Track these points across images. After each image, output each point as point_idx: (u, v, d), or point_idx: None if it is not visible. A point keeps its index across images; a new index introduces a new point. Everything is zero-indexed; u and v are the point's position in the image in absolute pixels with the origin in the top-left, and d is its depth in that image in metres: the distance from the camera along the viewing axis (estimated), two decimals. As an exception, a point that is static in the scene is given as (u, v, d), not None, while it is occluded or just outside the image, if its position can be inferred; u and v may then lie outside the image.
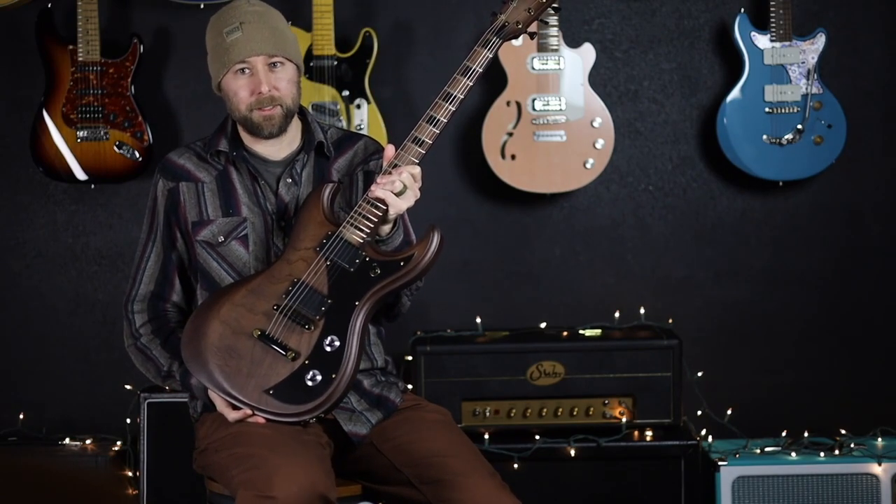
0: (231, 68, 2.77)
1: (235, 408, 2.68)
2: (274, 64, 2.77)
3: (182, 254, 2.87)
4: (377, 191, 2.66)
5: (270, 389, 2.63)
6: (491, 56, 2.71)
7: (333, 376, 2.62)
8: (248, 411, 2.66)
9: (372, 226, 2.66)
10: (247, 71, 2.77)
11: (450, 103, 2.69)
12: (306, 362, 2.63)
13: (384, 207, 2.66)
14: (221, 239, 2.82)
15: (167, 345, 2.82)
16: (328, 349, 2.64)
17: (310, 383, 2.62)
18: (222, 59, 2.78)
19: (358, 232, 2.67)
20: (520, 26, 2.73)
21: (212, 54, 2.82)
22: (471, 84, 2.70)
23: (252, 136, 2.83)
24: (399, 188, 2.65)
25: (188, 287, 2.89)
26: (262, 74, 2.76)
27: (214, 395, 2.71)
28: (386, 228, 2.71)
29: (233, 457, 2.64)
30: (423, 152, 2.68)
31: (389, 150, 2.71)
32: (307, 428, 2.70)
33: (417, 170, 2.67)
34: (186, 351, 2.68)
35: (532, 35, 2.80)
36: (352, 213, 2.68)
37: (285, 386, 2.63)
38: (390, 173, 2.66)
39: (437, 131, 2.68)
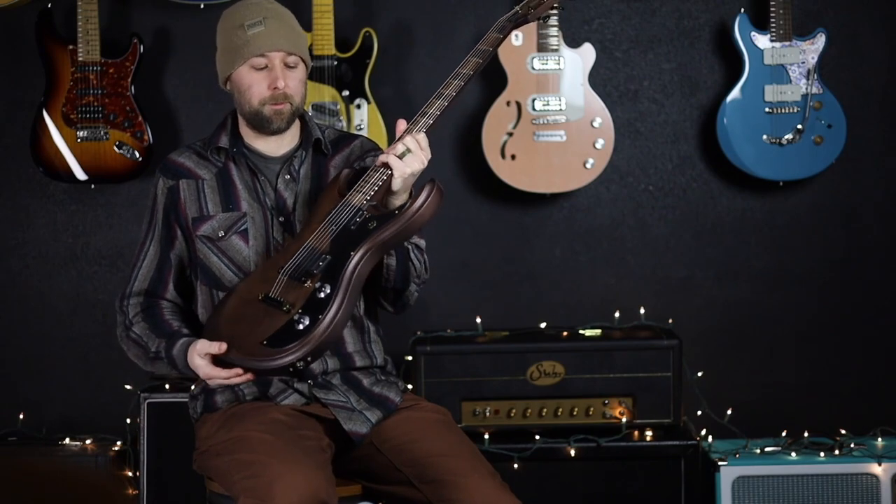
0: (248, 61, 2.78)
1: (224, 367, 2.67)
2: (289, 62, 2.80)
3: (182, 252, 2.88)
4: (382, 157, 2.70)
5: (265, 340, 2.63)
6: (503, 38, 2.82)
7: (319, 317, 2.62)
8: (235, 371, 2.64)
9: (376, 189, 2.69)
10: (264, 66, 2.78)
11: (459, 80, 2.76)
12: (300, 311, 2.64)
13: (389, 171, 2.68)
14: (222, 234, 2.82)
15: (156, 328, 2.83)
16: (321, 296, 2.64)
17: (300, 328, 2.62)
18: (240, 52, 2.79)
19: (361, 196, 2.69)
20: (532, 10, 2.84)
21: (224, 47, 2.83)
22: (482, 62, 2.78)
23: (256, 132, 2.85)
24: (401, 150, 2.68)
25: (183, 287, 2.90)
26: (280, 70, 2.78)
27: (196, 361, 2.69)
28: (396, 201, 2.72)
29: (234, 462, 2.64)
30: (431, 122, 2.72)
31: (401, 124, 2.75)
32: (308, 432, 2.70)
33: (422, 135, 2.71)
34: (206, 329, 2.73)
35: (545, 19, 2.87)
36: (359, 182, 2.72)
37: (279, 334, 2.62)
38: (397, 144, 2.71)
39: (446, 104, 2.73)
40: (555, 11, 3.72)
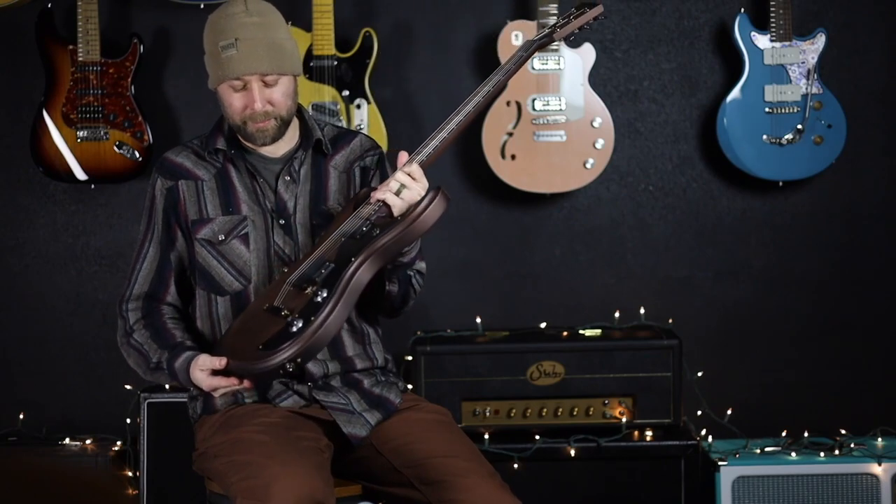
0: (225, 82, 2.76)
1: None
2: (268, 81, 2.76)
3: (182, 254, 2.86)
4: (377, 194, 2.69)
5: (261, 345, 2.62)
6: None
7: (312, 318, 2.60)
8: (232, 380, 2.65)
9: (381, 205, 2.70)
10: (242, 86, 2.76)
11: (462, 115, 2.76)
12: (297, 315, 2.63)
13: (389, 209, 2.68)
14: (222, 237, 2.81)
15: (157, 337, 2.81)
16: (318, 300, 2.63)
17: (293, 330, 2.61)
18: (216, 73, 2.77)
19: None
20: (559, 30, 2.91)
21: (208, 58, 2.80)
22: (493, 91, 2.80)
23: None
24: (396, 188, 2.67)
25: (184, 288, 2.89)
26: (257, 92, 2.74)
27: (197, 375, 2.69)
28: (407, 249, 2.75)
29: (231, 464, 2.63)
30: (429, 154, 2.71)
31: (402, 156, 2.73)
32: (306, 433, 2.70)
33: (415, 167, 2.69)
34: (215, 346, 2.74)
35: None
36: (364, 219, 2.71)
37: (274, 338, 2.61)
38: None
39: (447, 136, 2.73)
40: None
